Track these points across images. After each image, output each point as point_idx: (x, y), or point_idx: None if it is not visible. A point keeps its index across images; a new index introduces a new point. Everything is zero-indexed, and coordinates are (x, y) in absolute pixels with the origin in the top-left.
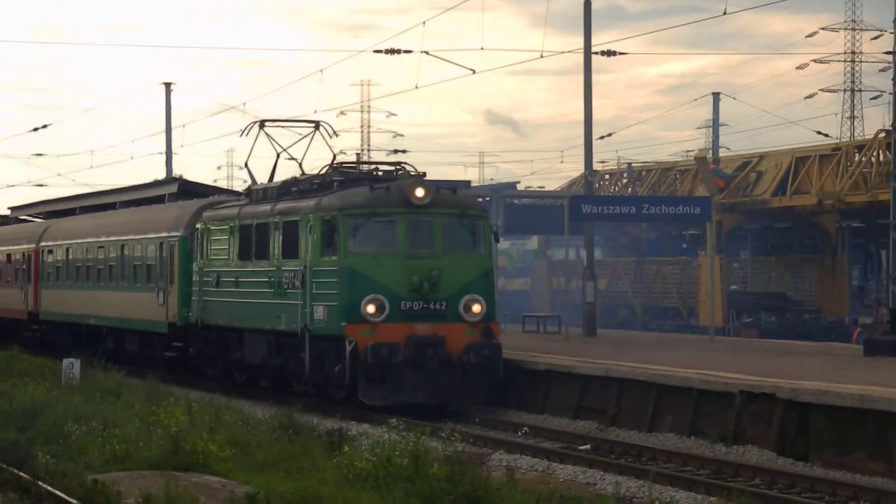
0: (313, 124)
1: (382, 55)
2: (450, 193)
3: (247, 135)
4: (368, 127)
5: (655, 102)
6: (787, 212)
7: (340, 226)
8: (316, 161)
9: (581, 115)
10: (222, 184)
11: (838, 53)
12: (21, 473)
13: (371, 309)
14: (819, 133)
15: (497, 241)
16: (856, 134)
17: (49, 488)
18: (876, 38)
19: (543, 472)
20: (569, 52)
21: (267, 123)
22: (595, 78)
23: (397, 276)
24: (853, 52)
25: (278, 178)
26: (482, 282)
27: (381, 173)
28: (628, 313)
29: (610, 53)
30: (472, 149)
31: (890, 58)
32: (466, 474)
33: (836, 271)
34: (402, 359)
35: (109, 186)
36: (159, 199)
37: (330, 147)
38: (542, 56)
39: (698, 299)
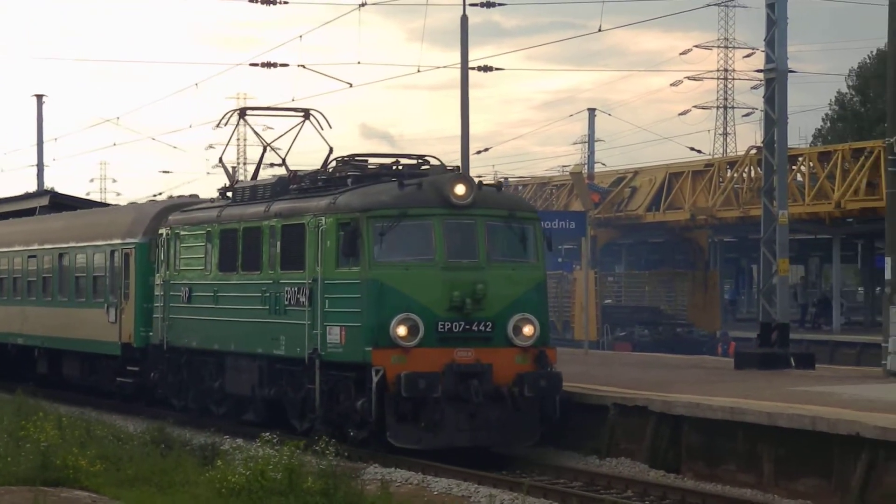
0: (302, 113)
1: (259, 68)
2: (494, 191)
3: (224, 125)
4: (245, 140)
5: (531, 118)
6: (660, 227)
7: (364, 230)
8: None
9: (458, 130)
10: (95, 197)
11: (711, 71)
12: None
13: (402, 331)
14: (692, 149)
15: (550, 248)
16: (728, 150)
17: None
18: (748, 56)
19: (418, 485)
20: (445, 66)
21: (248, 112)
22: (471, 93)
23: (434, 292)
24: (726, 70)
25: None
26: (534, 298)
27: (401, 167)
28: None
29: (486, 69)
30: None
31: (761, 75)
32: (341, 488)
33: (708, 285)
34: (442, 392)
35: None
36: (30, 212)
37: (325, 139)
38: (419, 71)
39: (573, 313)
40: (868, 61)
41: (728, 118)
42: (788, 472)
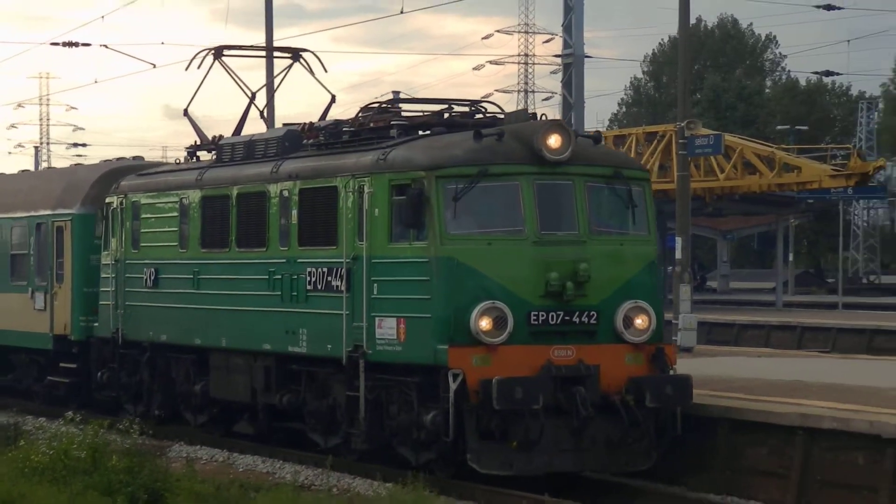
0: (290, 53)
1: (61, 48)
2: (591, 144)
3: (198, 68)
4: (48, 120)
5: (338, 99)
6: None
7: (433, 193)
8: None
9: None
10: None
11: (512, 55)
12: None
13: (486, 324)
14: None
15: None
16: None
17: None
18: (547, 41)
19: (223, 462)
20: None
21: (226, 52)
22: None
23: (524, 273)
24: (526, 55)
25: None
26: (647, 280)
27: (455, 115)
28: None
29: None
30: (154, 142)
31: (560, 60)
32: (146, 466)
33: None
34: (543, 402)
35: None
36: None
37: (323, 85)
38: None
39: None
40: (661, 48)
41: (529, 102)
42: None
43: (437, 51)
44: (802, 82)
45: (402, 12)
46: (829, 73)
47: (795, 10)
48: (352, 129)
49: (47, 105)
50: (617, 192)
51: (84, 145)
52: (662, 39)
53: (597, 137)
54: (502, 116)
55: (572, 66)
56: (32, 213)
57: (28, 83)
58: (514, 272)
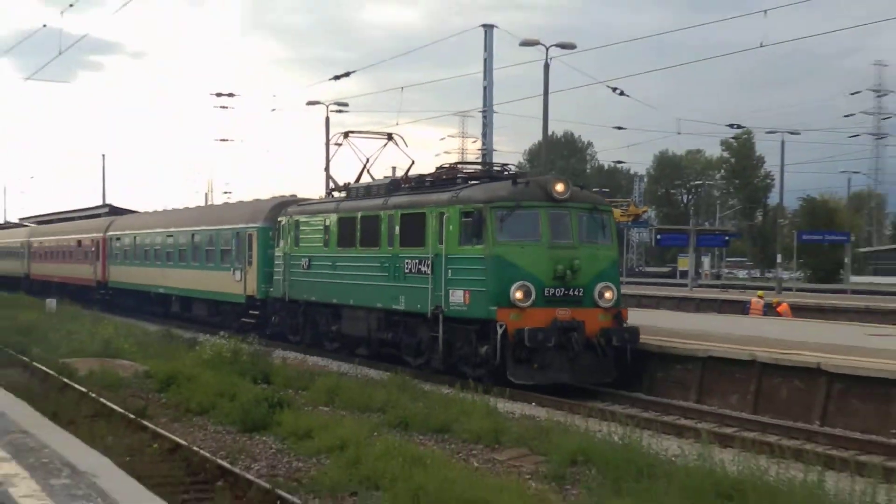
0: (386, 135)
1: (219, 142)
2: (580, 189)
3: (337, 143)
4: (212, 177)
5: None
6: None
7: (487, 217)
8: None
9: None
10: None
11: (456, 149)
12: (24, 358)
13: (519, 295)
14: None
15: (619, 235)
16: None
17: (39, 366)
18: (474, 142)
19: (300, 360)
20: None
21: (351, 134)
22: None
23: (542, 265)
24: (463, 150)
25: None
26: (612, 270)
27: (494, 171)
28: None
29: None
30: (267, 194)
31: (480, 153)
32: (260, 361)
33: None
34: (554, 342)
35: None
36: (96, 216)
37: (406, 154)
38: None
39: None
40: (534, 147)
41: None
42: None
43: (415, 146)
44: (606, 167)
45: (396, 124)
46: (620, 162)
47: (602, 130)
48: (432, 179)
49: (210, 171)
50: (594, 218)
51: (230, 192)
52: (534, 142)
53: (583, 186)
54: (522, 172)
55: (486, 156)
56: (234, 226)
57: (200, 156)
58: (535, 265)
